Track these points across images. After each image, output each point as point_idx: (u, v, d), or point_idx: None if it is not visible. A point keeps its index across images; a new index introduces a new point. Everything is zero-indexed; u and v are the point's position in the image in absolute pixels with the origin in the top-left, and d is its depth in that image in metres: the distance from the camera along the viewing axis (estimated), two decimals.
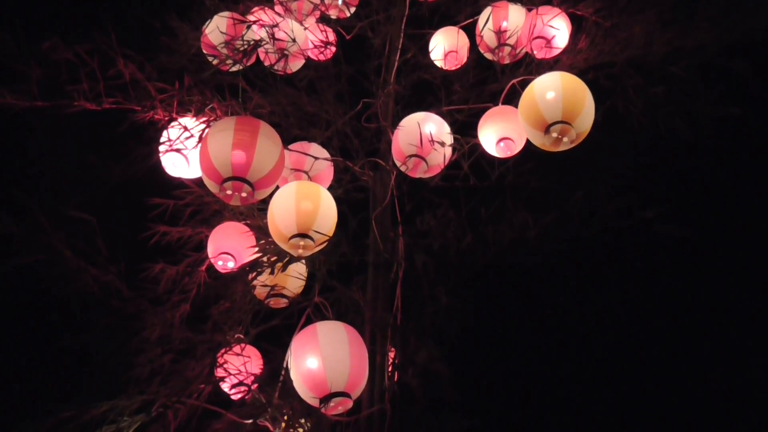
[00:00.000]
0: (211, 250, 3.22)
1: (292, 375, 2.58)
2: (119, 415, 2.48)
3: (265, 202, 2.98)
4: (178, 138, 2.89)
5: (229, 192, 2.50)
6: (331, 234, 2.84)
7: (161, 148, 2.97)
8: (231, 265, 3.20)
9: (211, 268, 3.37)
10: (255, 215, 3.32)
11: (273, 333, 3.01)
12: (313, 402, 2.53)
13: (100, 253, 2.66)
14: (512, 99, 3.20)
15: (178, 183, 3.25)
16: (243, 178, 2.47)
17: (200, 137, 2.85)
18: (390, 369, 2.75)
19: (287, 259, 3.03)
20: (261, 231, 3.22)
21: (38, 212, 2.54)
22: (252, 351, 3.16)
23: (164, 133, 3.00)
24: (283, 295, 3.21)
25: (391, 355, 2.91)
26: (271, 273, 3.07)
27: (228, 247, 3.21)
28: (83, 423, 2.47)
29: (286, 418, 2.57)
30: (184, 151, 2.94)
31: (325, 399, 2.48)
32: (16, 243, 2.51)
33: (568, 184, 3.21)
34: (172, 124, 3.00)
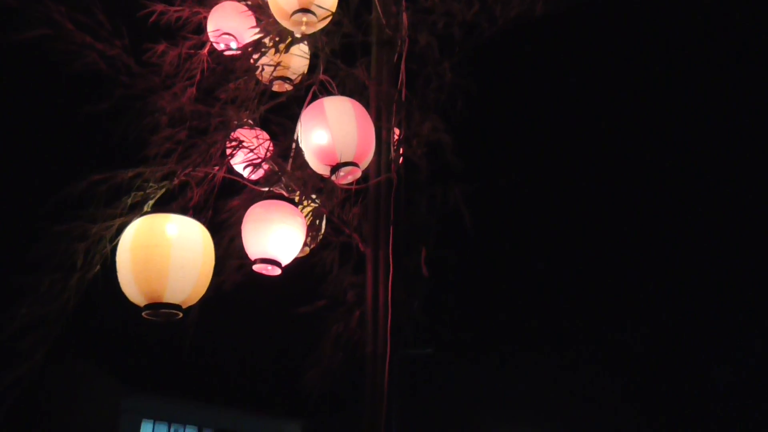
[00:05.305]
0: (211, 30, 3.16)
1: (303, 148, 2.70)
2: (146, 182, 2.66)
3: None
4: None
5: None
6: (333, 9, 2.77)
7: None
8: (233, 45, 3.16)
9: (213, 52, 3.32)
10: None
11: (282, 109, 3.07)
12: (324, 171, 2.69)
13: (103, 26, 2.62)
14: None
15: None
16: None
17: None
18: (396, 142, 2.87)
19: (290, 39, 2.99)
20: (261, 11, 3.13)
21: None
22: (261, 133, 3.26)
23: None
24: (287, 78, 3.23)
25: (397, 131, 3.01)
26: (276, 53, 3.05)
27: (229, 28, 3.14)
28: (113, 186, 2.65)
29: (300, 185, 2.74)
30: None
31: (336, 168, 2.64)
32: (16, 17, 2.46)
33: None
34: None
